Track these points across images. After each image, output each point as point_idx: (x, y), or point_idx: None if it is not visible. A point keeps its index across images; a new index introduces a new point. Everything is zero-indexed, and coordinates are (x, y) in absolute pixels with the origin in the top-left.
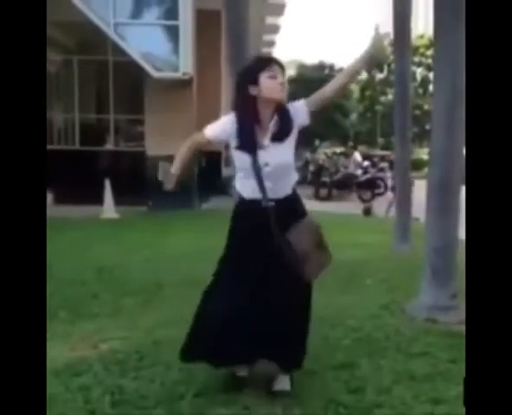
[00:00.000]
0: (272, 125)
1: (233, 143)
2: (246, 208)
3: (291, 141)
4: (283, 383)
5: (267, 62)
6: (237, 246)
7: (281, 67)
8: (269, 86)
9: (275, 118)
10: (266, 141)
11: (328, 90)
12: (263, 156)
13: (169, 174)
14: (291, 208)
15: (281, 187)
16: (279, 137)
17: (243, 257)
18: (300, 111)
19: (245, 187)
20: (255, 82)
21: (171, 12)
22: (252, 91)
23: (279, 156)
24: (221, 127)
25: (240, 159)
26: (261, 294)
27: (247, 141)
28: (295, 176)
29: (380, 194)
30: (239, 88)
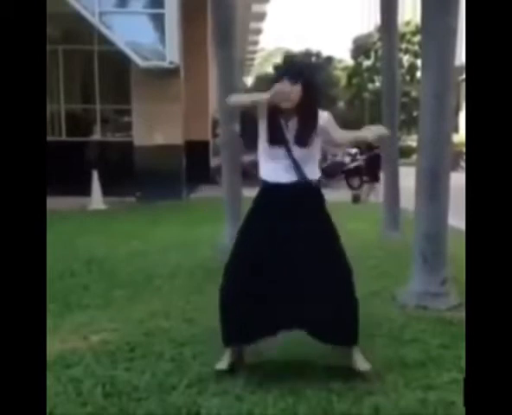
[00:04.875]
0: (292, 127)
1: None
2: (271, 191)
3: (313, 149)
4: (360, 362)
5: (281, 70)
6: (259, 229)
7: (296, 72)
8: (275, 93)
9: (295, 119)
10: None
11: (339, 138)
12: None
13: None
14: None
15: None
16: (299, 138)
17: (268, 237)
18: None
19: (271, 170)
20: None
21: (157, 0)
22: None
23: (301, 155)
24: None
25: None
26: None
27: (276, 134)
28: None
29: (368, 182)
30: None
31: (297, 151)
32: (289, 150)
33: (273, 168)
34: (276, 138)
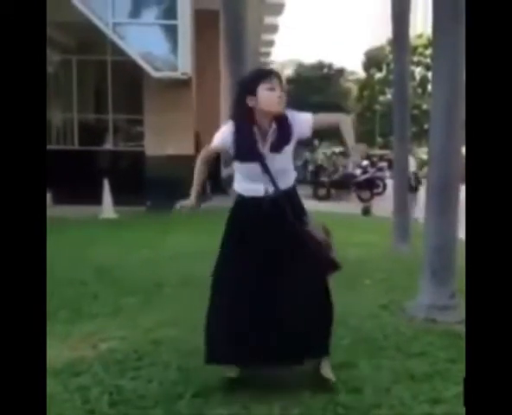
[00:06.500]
0: (270, 135)
1: (232, 152)
2: (247, 206)
3: (289, 150)
4: (326, 370)
5: (266, 74)
6: (238, 243)
7: (280, 79)
8: (267, 99)
9: (273, 127)
10: (266, 150)
11: (333, 119)
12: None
13: (189, 201)
14: (292, 202)
15: (281, 184)
16: (277, 147)
17: (246, 252)
18: (304, 123)
19: (246, 187)
20: (253, 94)
21: (170, 12)
22: (250, 102)
23: (278, 164)
24: (221, 137)
25: (245, 167)
26: (276, 286)
27: (249, 151)
28: (293, 174)
29: (379, 194)
30: (238, 99)
31: (272, 161)
32: (265, 165)
33: (248, 181)
34: (249, 153)
